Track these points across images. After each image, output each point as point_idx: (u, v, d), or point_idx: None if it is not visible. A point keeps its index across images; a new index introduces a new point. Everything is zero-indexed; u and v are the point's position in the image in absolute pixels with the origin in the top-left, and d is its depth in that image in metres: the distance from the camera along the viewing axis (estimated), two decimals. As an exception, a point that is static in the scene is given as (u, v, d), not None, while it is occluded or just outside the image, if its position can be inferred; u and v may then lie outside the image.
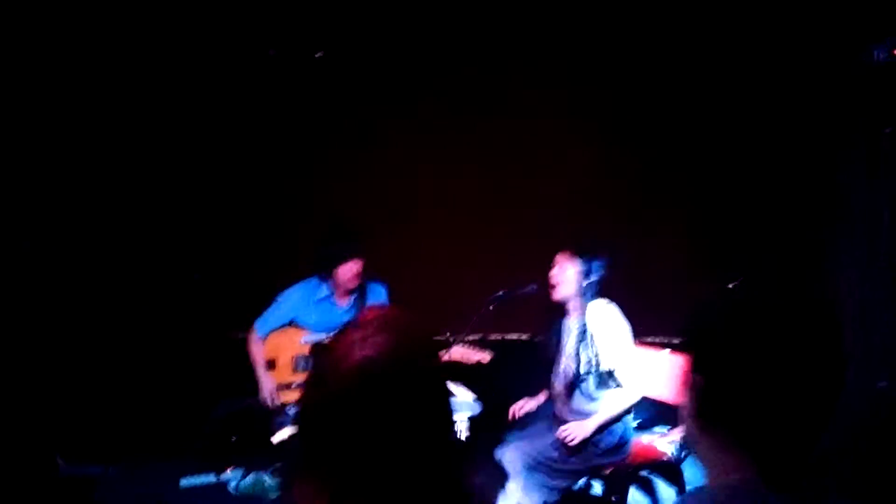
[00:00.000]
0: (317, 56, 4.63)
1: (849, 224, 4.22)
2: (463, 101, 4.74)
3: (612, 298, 3.32)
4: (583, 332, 3.14)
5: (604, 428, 3.14)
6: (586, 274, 3.14)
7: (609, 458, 3.16)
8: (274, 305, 3.69)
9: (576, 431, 3.08)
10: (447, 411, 1.12)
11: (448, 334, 3.50)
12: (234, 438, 4.06)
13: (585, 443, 3.11)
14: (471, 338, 3.71)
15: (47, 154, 4.32)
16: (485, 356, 3.33)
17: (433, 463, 1.06)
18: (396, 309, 1.20)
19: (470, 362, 3.33)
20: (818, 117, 4.39)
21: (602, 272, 3.17)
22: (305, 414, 1.09)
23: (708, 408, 1.10)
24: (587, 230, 3.46)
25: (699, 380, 1.11)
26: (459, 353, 3.34)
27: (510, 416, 3.40)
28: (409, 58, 4.71)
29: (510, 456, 3.09)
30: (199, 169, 4.57)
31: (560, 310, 3.28)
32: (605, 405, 3.14)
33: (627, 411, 3.19)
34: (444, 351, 3.35)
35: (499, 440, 3.29)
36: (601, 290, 3.20)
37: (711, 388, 1.10)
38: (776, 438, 1.05)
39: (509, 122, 4.76)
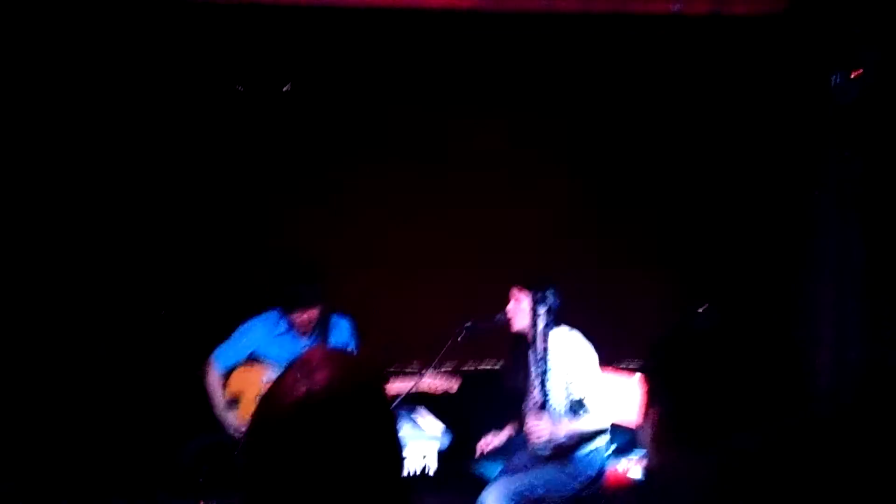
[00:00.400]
0: (284, 90, 4.62)
1: (819, 247, 4.24)
2: (430, 132, 4.74)
3: (581, 324, 3.31)
4: (546, 362, 3.14)
5: (574, 447, 3.14)
6: (539, 304, 3.16)
7: (588, 489, 3.13)
8: (233, 338, 3.65)
9: (545, 429, 3.07)
10: (393, 447, 1.11)
11: (419, 368, 3.46)
12: (204, 471, 3.94)
13: (565, 476, 3.08)
14: (443, 368, 3.66)
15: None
16: (452, 385, 3.30)
17: (377, 498, 1.04)
18: (340, 349, 1.21)
19: (437, 392, 3.29)
20: (785, 143, 4.44)
21: (555, 301, 3.19)
22: (247, 451, 1.07)
23: (668, 433, 1.09)
24: (535, 263, 3.48)
25: (658, 408, 1.11)
26: (426, 383, 3.30)
27: (478, 454, 3.34)
28: (377, 90, 4.72)
29: (494, 496, 3.03)
30: (166, 204, 4.51)
31: (523, 341, 3.28)
32: (576, 422, 3.14)
33: (599, 433, 3.15)
34: (412, 381, 3.31)
35: (470, 475, 3.24)
36: (559, 318, 3.20)
37: (670, 414, 1.09)
38: (738, 458, 1.03)
39: (476, 152, 4.78)
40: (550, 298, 3.21)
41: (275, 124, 4.65)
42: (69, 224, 4.38)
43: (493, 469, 3.45)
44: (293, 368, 1.09)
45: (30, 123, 4.27)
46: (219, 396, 3.57)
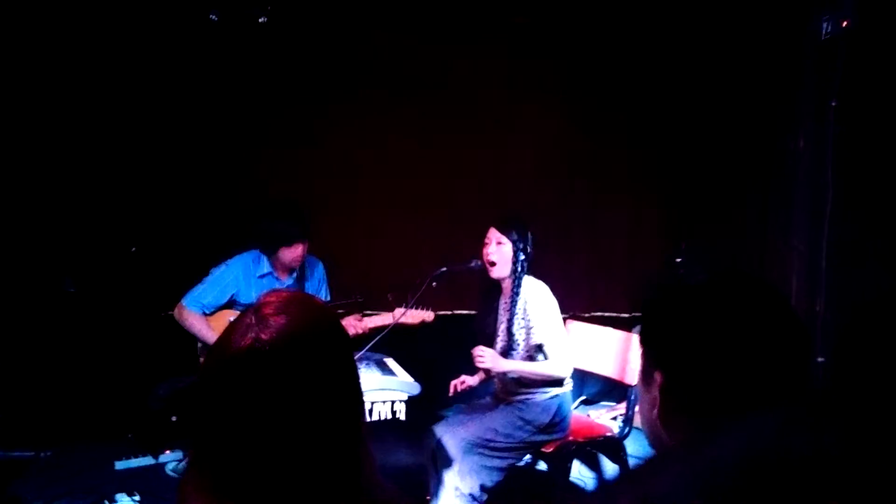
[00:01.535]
0: (260, 21, 4.46)
1: (795, 198, 4.23)
2: (407, 72, 4.63)
3: (554, 275, 3.30)
4: (514, 309, 3.14)
5: (530, 391, 3.15)
6: (519, 251, 3.14)
7: (546, 435, 3.14)
8: (208, 283, 3.50)
9: (488, 358, 3.08)
10: (347, 397, 1.08)
11: (389, 297, 3.44)
12: (173, 419, 3.95)
13: (519, 420, 3.11)
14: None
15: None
16: (429, 315, 3.31)
17: (324, 448, 1.02)
18: (300, 293, 1.16)
19: (415, 323, 3.29)
20: (766, 90, 4.38)
21: (532, 249, 3.17)
22: (198, 393, 1.04)
23: (672, 404, 1.04)
24: (514, 209, 3.44)
25: (661, 377, 1.05)
26: (403, 316, 3.29)
27: (451, 391, 3.35)
28: (351, 28, 4.58)
29: (447, 441, 3.05)
30: (134, 139, 4.38)
31: (496, 286, 3.27)
32: (529, 364, 3.16)
33: (554, 382, 3.16)
34: (387, 317, 3.31)
35: (440, 422, 3.26)
36: (531, 266, 3.20)
37: (674, 383, 1.04)
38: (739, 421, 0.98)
39: (454, 92, 4.68)
40: (529, 245, 3.19)
41: (248, 59, 4.51)
42: (41, 158, 4.24)
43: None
44: (249, 312, 1.06)
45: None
46: (207, 329, 3.44)
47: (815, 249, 3.98)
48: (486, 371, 3.33)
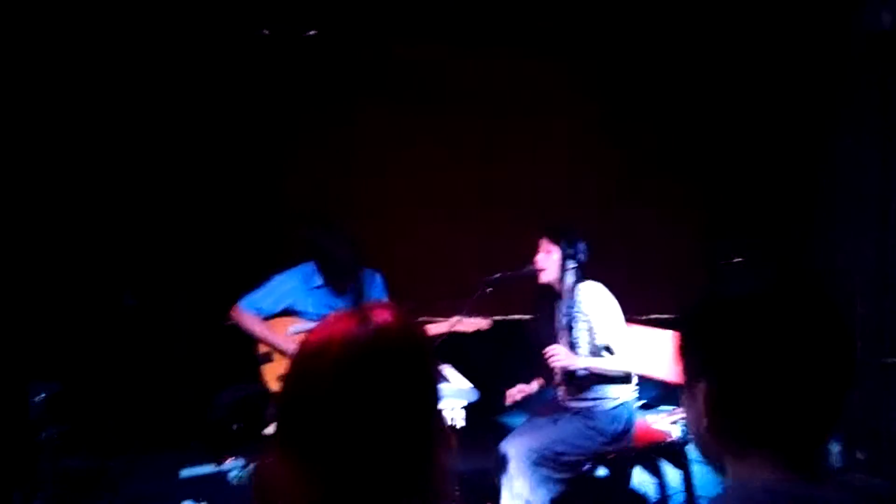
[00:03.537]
0: (309, 34, 4.54)
1: (859, 196, 4.11)
2: (454, 78, 4.65)
3: (610, 277, 3.28)
4: (572, 315, 3.12)
5: (597, 396, 3.11)
6: (569, 257, 3.13)
7: (614, 445, 3.12)
8: (267, 288, 3.52)
9: (563, 355, 3.06)
10: (430, 402, 1.11)
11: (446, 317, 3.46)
12: (235, 427, 4.03)
13: (589, 430, 3.08)
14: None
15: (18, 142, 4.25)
16: (484, 322, 3.33)
17: (407, 448, 1.05)
18: (392, 303, 1.20)
19: (470, 330, 3.30)
20: (824, 84, 4.28)
21: (584, 254, 3.15)
22: (287, 390, 1.08)
23: (723, 414, 1.02)
24: (563, 215, 3.43)
25: (707, 387, 1.02)
26: (459, 324, 3.30)
27: (508, 401, 3.34)
28: (400, 36, 4.62)
29: (514, 452, 3.04)
30: (190, 154, 4.50)
31: (550, 293, 3.25)
32: (599, 360, 3.13)
33: (622, 379, 3.14)
34: (444, 324, 3.33)
35: (497, 428, 3.26)
36: (587, 271, 3.17)
37: (724, 392, 1.01)
38: (793, 427, 0.98)
39: (501, 100, 4.69)
40: (580, 253, 3.16)
41: (297, 68, 4.58)
42: (100, 171, 4.38)
43: (519, 421, 3.47)
44: (349, 312, 1.11)
45: (48, 62, 4.22)
46: (265, 330, 3.46)
47: (882, 247, 3.87)
48: (547, 378, 3.31)
